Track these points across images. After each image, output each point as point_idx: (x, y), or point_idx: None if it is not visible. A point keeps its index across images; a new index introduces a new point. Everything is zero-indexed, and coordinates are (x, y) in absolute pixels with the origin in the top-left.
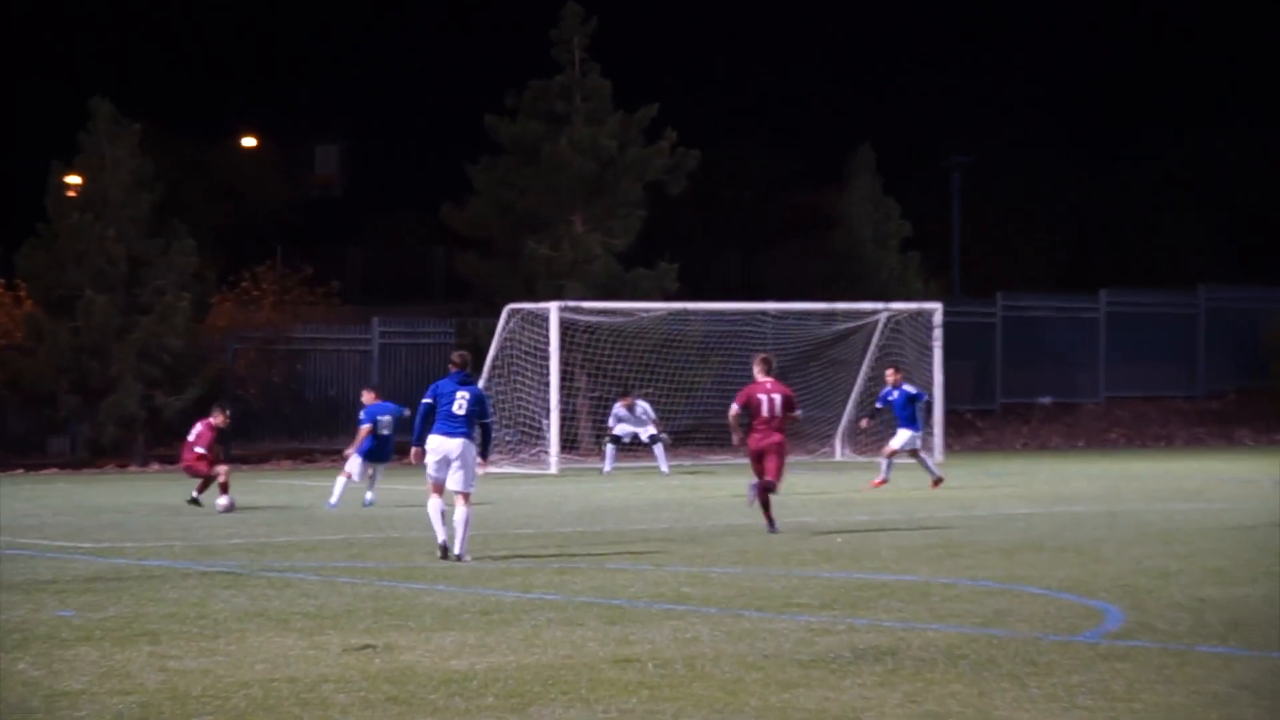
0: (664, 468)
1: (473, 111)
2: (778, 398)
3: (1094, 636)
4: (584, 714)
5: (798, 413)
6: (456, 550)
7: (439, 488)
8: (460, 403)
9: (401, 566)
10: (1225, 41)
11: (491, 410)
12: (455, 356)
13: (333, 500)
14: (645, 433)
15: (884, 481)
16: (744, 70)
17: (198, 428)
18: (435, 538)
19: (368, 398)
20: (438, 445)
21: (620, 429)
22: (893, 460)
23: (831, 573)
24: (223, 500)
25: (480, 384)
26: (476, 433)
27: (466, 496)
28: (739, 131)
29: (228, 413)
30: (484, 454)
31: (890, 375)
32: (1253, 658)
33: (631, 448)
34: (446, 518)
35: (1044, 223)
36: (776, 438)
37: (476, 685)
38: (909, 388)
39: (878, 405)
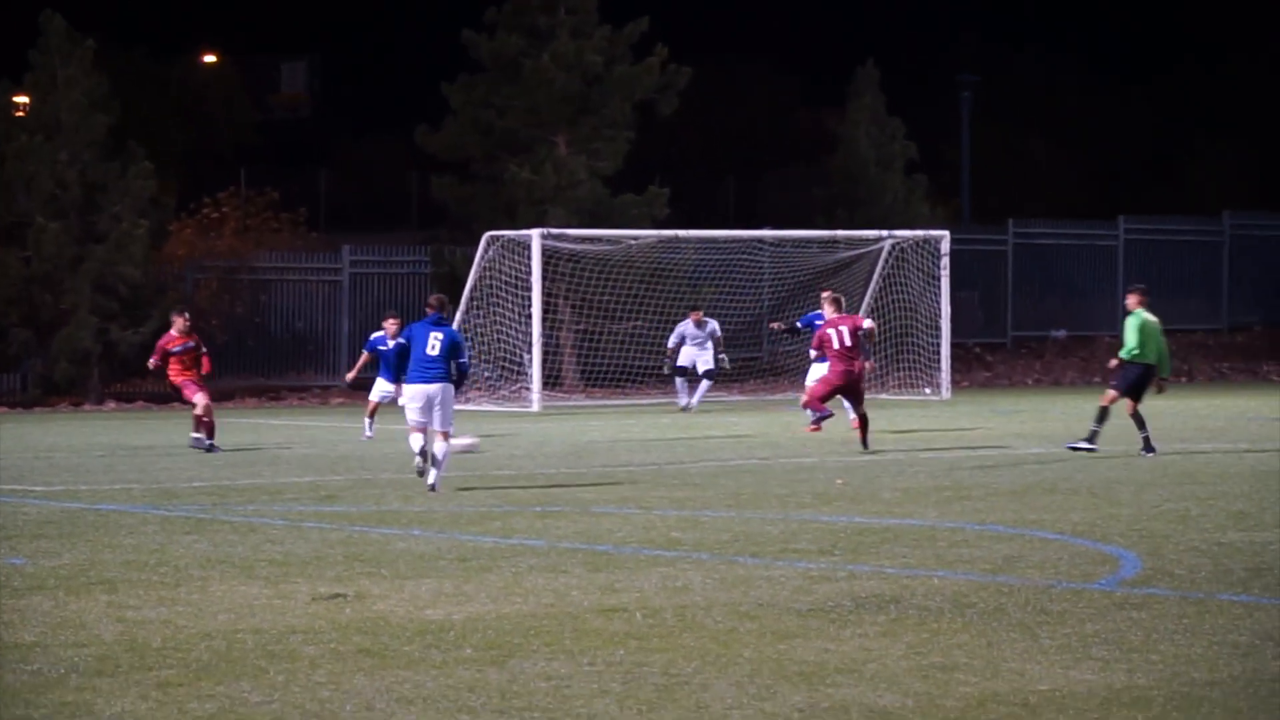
0: (694, 401)
1: (450, 26)
2: (845, 329)
3: (1109, 584)
4: (568, 666)
5: (866, 324)
6: (430, 481)
7: (421, 429)
8: (434, 343)
9: (374, 510)
10: None
11: (467, 351)
12: (432, 299)
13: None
14: (704, 362)
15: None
16: None
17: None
18: (414, 457)
19: (392, 327)
20: (415, 392)
21: (684, 356)
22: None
23: (831, 516)
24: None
25: (458, 316)
26: (453, 372)
27: (446, 435)
28: (735, 47)
29: (187, 317)
30: (457, 389)
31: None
32: (1276, 605)
33: (618, 382)
34: (426, 454)
35: (1059, 146)
36: (855, 367)
37: (454, 636)
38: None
39: (799, 325)
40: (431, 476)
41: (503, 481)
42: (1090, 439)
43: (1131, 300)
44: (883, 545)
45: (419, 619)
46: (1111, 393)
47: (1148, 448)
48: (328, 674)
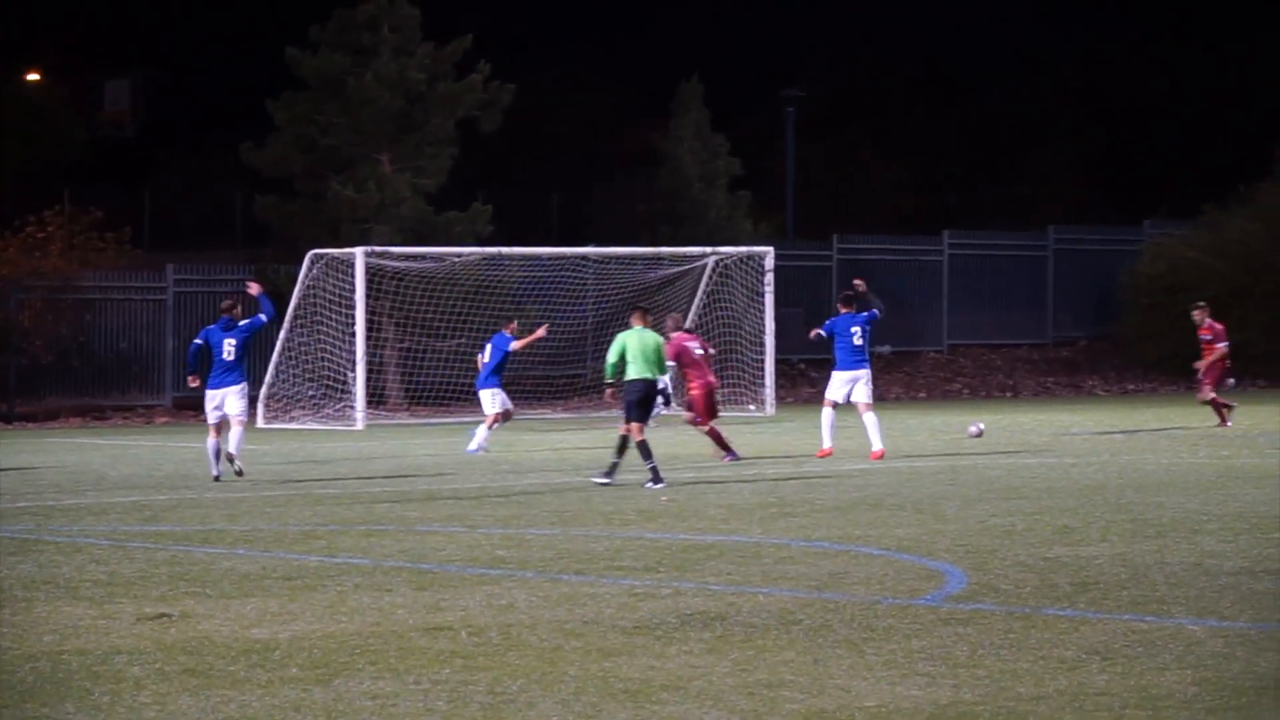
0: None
1: (274, 43)
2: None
3: (935, 599)
4: (394, 685)
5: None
6: (231, 449)
7: (218, 429)
8: (228, 349)
9: (198, 530)
10: None
11: (253, 324)
12: (224, 302)
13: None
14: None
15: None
16: None
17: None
18: (210, 470)
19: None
20: (214, 396)
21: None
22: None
23: (656, 533)
24: None
25: (281, 335)
26: (245, 369)
27: (241, 421)
28: (558, 63)
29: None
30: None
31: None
32: (1102, 620)
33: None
34: (220, 454)
35: (884, 161)
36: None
37: (279, 655)
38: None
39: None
40: (232, 445)
41: (327, 500)
42: (609, 472)
43: (633, 319)
44: (708, 562)
45: (244, 638)
46: (634, 424)
47: (655, 479)
48: (153, 695)
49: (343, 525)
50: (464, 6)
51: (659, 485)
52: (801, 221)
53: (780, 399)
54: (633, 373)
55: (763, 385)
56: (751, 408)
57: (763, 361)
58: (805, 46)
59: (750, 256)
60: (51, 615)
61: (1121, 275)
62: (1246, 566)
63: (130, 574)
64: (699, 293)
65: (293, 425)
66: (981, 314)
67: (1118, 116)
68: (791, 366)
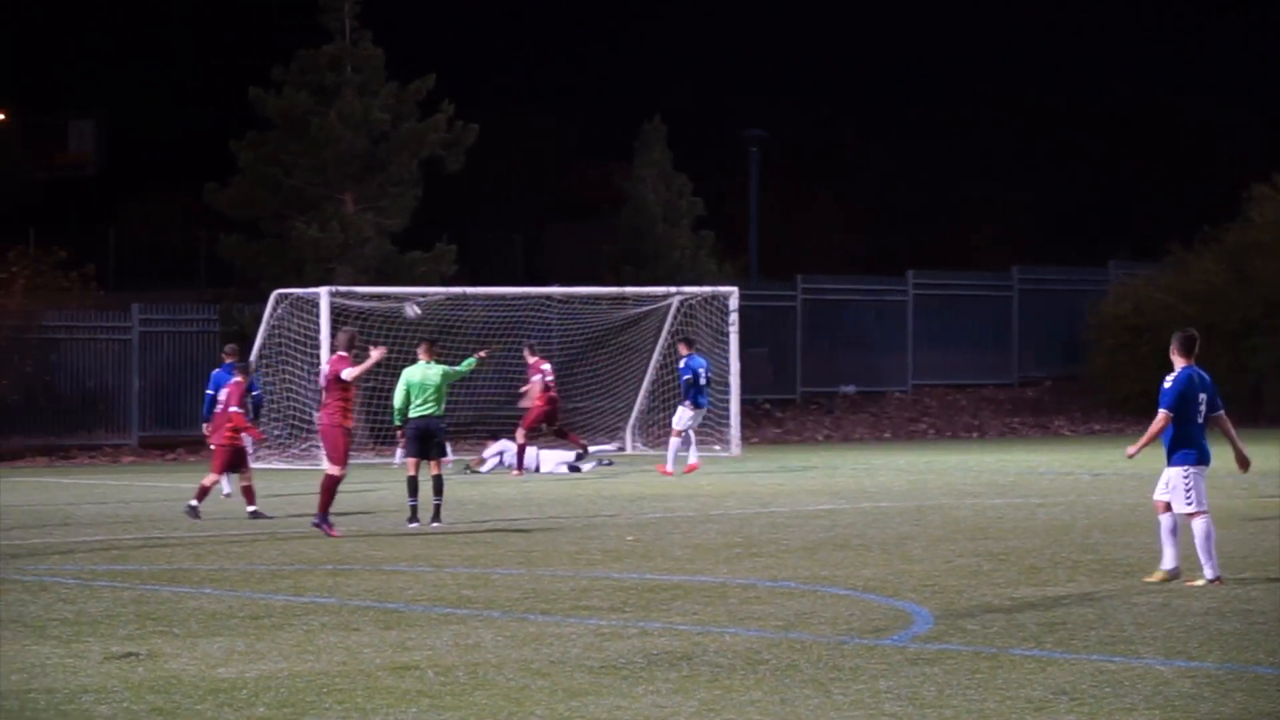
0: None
1: (238, 83)
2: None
3: (902, 639)
4: None
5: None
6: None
7: None
8: None
9: (165, 569)
10: (1029, 18)
11: (259, 385)
12: (227, 348)
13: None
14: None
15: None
16: (528, 37)
17: (224, 389)
18: (223, 489)
19: None
20: None
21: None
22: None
23: (622, 573)
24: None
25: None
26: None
27: (248, 453)
28: (523, 103)
29: (253, 370)
30: (256, 416)
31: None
32: (1069, 660)
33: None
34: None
35: (848, 201)
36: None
37: (246, 695)
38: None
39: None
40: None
41: (293, 540)
42: (435, 515)
43: (420, 352)
44: (674, 602)
45: (211, 678)
46: (410, 459)
47: (413, 518)
48: None
49: (309, 564)
50: (425, 46)
51: (413, 525)
52: (765, 262)
53: (745, 439)
54: (413, 411)
55: (728, 426)
56: (717, 448)
57: (728, 402)
58: (764, 88)
59: (715, 296)
60: (19, 654)
61: (1087, 315)
62: (1214, 607)
63: (97, 613)
64: (663, 333)
65: (258, 465)
66: (946, 354)
67: (1081, 157)
68: (756, 407)
